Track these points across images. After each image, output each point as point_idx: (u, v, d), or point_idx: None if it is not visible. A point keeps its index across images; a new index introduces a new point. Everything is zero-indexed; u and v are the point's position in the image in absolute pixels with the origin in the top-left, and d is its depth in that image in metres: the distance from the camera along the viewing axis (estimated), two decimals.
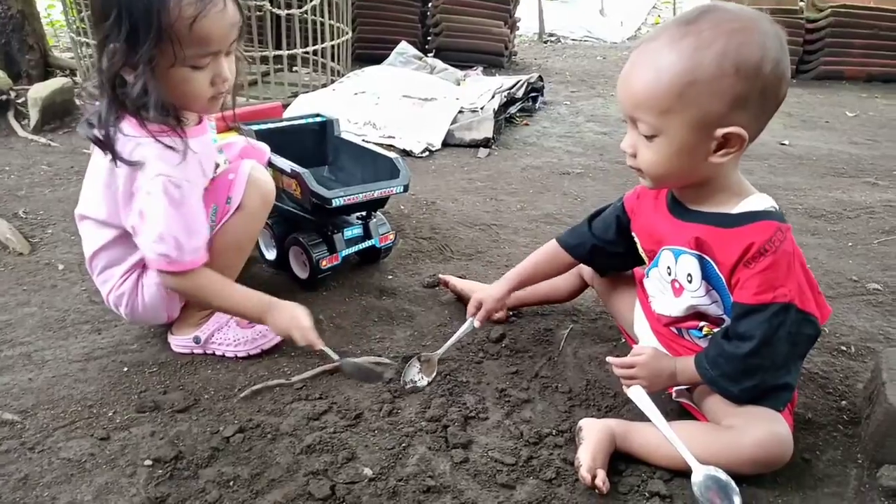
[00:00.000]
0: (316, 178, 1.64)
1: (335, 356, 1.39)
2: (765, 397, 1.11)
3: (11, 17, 3.45)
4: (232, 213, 1.42)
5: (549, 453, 1.20)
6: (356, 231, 1.78)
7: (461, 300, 1.69)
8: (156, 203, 1.26)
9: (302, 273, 1.75)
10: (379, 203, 1.78)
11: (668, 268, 1.22)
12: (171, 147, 1.27)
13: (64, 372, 1.40)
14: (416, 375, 1.39)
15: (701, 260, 1.15)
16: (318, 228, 1.74)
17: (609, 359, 1.24)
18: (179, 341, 1.47)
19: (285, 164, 1.68)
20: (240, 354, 1.45)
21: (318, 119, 2.02)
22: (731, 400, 1.12)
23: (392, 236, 1.85)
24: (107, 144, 1.26)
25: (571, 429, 1.25)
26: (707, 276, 1.15)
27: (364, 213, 1.81)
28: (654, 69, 1.04)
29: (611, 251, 1.40)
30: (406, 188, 1.75)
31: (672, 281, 1.22)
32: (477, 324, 1.47)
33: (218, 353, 1.46)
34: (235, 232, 1.43)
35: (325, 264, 1.69)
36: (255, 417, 1.27)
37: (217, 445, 1.20)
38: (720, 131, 1.03)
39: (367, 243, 1.81)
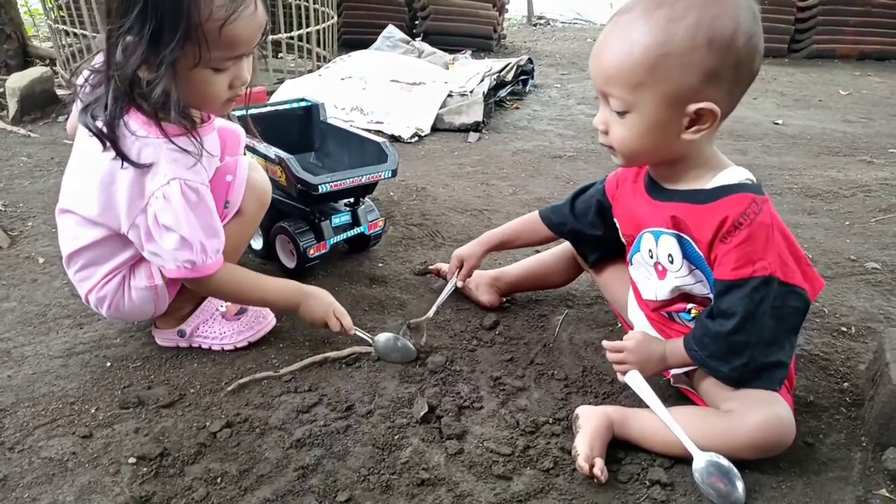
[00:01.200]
0: (302, 164, 1.59)
1: (368, 337, 1.39)
2: (758, 377, 1.08)
3: None
4: (230, 217, 1.37)
5: (546, 442, 1.16)
6: (344, 218, 1.74)
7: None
8: (174, 208, 1.18)
9: (289, 262, 1.71)
10: (367, 189, 1.73)
11: (650, 250, 1.19)
12: (185, 150, 1.20)
13: (45, 368, 1.36)
14: (408, 342, 1.39)
15: (679, 239, 1.12)
16: (304, 216, 1.69)
17: (604, 343, 1.22)
18: (164, 335, 1.43)
19: (269, 150, 1.63)
20: (226, 347, 1.41)
21: (304, 104, 1.97)
22: (722, 381, 1.10)
23: (381, 223, 1.81)
24: (112, 142, 1.17)
25: (568, 417, 1.21)
26: (687, 255, 1.13)
27: (352, 200, 1.77)
28: (626, 42, 1.01)
29: (589, 234, 1.39)
30: (394, 173, 1.71)
31: (655, 264, 1.19)
32: (460, 283, 1.50)
33: (204, 346, 1.42)
34: (231, 236, 1.34)
35: (312, 253, 1.65)
36: (242, 411, 1.23)
37: (204, 441, 1.16)
38: (692, 107, 1.01)
39: (356, 230, 1.76)
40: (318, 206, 1.72)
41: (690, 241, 1.11)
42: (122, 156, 1.17)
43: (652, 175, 1.19)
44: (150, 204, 1.19)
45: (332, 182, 1.58)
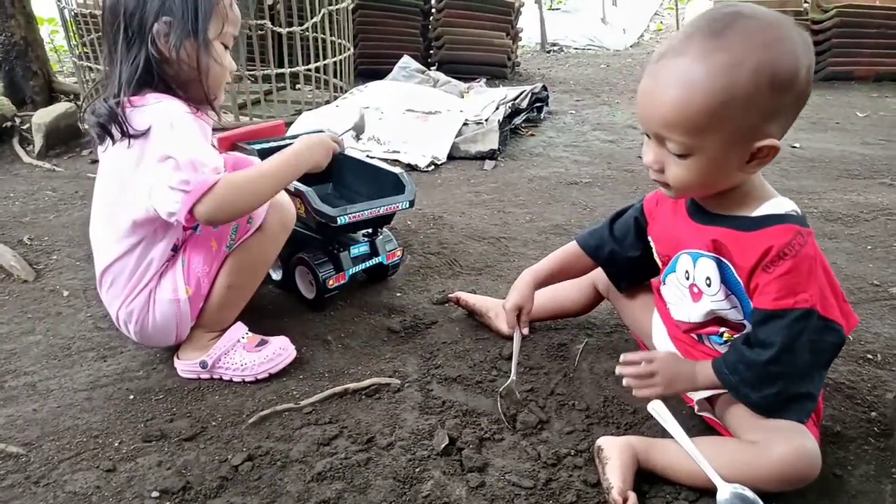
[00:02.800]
0: (320, 195, 1.61)
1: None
2: (786, 407, 1.07)
3: (15, 43, 3.46)
4: (251, 233, 1.40)
5: (569, 475, 1.15)
6: (362, 248, 1.76)
7: (473, 316, 1.65)
8: (160, 134, 1.26)
9: (308, 293, 1.72)
10: (385, 219, 1.75)
11: (687, 272, 1.18)
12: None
13: (69, 401, 1.37)
14: (507, 409, 1.31)
15: (719, 263, 1.11)
16: (323, 247, 1.71)
17: (625, 356, 1.17)
18: (186, 366, 1.44)
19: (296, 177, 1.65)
20: (247, 379, 1.42)
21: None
22: (751, 407, 1.08)
23: (399, 253, 1.82)
24: (117, 121, 1.27)
25: (590, 448, 1.20)
26: (725, 279, 1.12)
27: (370, 230, 1.78)
28: (685, 88, 0.99)
29: (628, 255, 1.36)
30: (412, 203, 1.73)
31: (691, 286, 1.18)
32: (525, 331, 1.41)
33: (225, 377, 1.43)
34: (252, 252, 1.42)
35: (331, 283, 1.66)
36: (263, 444, 1.24)
37: (226, 474, 1.16)
38: (756, 145, 1.01)
39: (374, 261, 1.77)
40: (337, 237, 1.74)
41: (730, 266, 1.10)
42: (125, 131, 1.27)
43: (698, 201, 1.18)
44: (147, 148, 1.27)
45: (351, 214, 1.60)
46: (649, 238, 1.30)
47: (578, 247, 1.43)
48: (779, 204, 1.09)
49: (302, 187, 1.61)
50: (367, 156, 2.20)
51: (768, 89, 0.97)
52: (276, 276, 1.80)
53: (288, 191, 1.63)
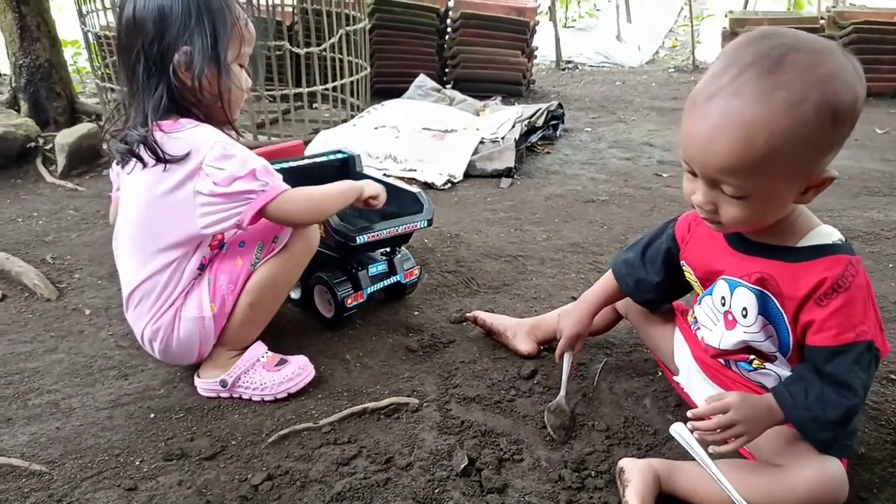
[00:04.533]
0: (339, 214, 1.62)
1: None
2: (842, 444, 1.06)
3: (40, 66, 3.53)
4: (275, 252, 1.42)
5: (589, 497, 1.14)
6: (380, 267, 1.76)
7: (490, 335, 1.65)
8: (227, 158, 1.30)
9: (327, 312, 1.73)
10: (403, 238, 1.76)
11: (723, 298, 1.15)
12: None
13: (91, 420, 1.38)
14: (554, 422, 1.33)
15: (761, 296, 1.08)
16: (341, 266, 1.72)
17: (695, 411, 1.10)
18: (206, 384, 1.45)
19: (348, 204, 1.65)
20: (266, 398, 1.43)
21: (340, 155, 2.01)
22: (815, 444, 1.05)
23: (417, 271, 1.83)
24: (151, 147, 1.30)
25: (611, 469, 1.19)
26: (766, 311, 1.09)
27: (388, 249, 1.79)
28: (745, 132, 0.93)
29: (652, 280, 1.33)
30: (430, 222, 1.74)
31: (725, 312, 1.16)
32: (577, 354, 1.45)
33: (245, 396, 1.44)
34: (275, 271, 1.44)
35: (350, 302, 1.67)
36: (283, 464, 1.24)
37: (245, 494, 1.17)
38: (814, 178, 0.98)
39: (393, 279, 1.78)
40: (355, 256, 1.75)
41: (773, 299, 1.07)
42: (160, 156, 1.30)
43: None
44: (204, 177, 1.30)
45: (370, 234, 1.61)
46: (682, 262, 1.27)
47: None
48: (826, 233, 1.06)
49: None
50: (384, 174, 2.21)
51: (830, 125, 0.93)
52: (295, 294, 1.81)
53: None
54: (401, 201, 1.81)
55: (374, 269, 1.75)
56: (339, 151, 2.02)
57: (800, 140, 0.93)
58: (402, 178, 2.43)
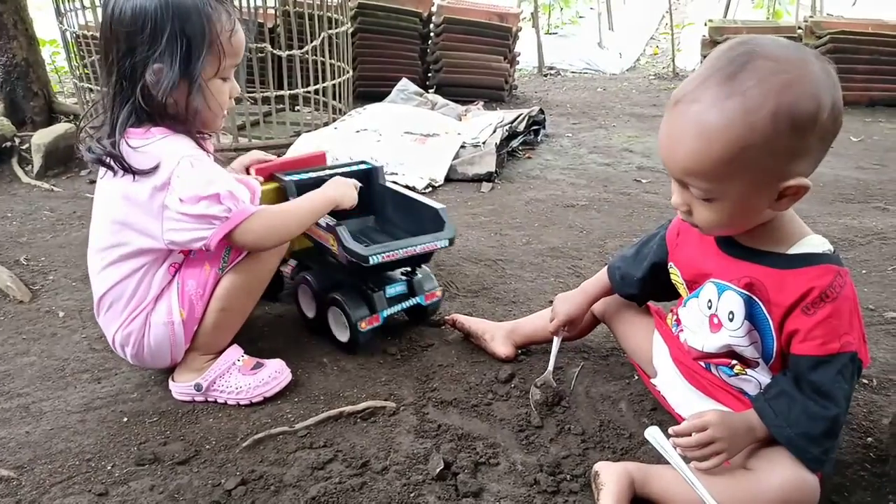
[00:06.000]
0: (361, 228, 1.57)
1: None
2: (830, 459, 1.06)
3: (17, 65, 3.48)
4: (245, 255, 1.41)
5: (565, 500, 1.15)
6: (399, 288, 1.64)
7: (469, 338, 1.65)
8: (191, 179, 1.27)
9: (342, 335, 1.61)
10: (423, 258, 1.63)
11: (710, 301, 1.15)
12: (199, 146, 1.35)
13: (62, 424, 1.36)
14: (541, 397, 1.40)
15: (749, 301, 1.09)
16: (358, 286, 1.62)
17: (675, 428, 1.09)
18: (181, 388, 1.44)
19: (321, 219, 1.56)
20: (242, 402, 1.41)
21: (363, 167, 1.88)
22: (807, 463, 1.03)
23: (439, 293, 1.70)
24: (117, 158, 1.28)
25: (586, 473, 1.20)
26: (752, 316, 1.09)
27: (408, 268, 1.68)
28: (701, 137, 0.95)
29: (635, 275, 1.36)
30: (451, 242, 1.60)
31: (711, 315, 1.16)
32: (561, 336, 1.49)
33: (220, 400, 1.43)
34: (245, 275, 1.42)
35: (364, 326, 1.55)
36: (257, 468, 1.23)
37: (219, 499, 1.15)
38: (782, 185, 0.98)
39: (412, 301, 1.66)
40: (371, 277, 1.63)
41: (761, 304, 1.08)
42: (127, 168, 1.28)
43: None
44: (172, 191, 1.27)
45: (384, 254, 1.49)
46: (670, 263, 1.28)
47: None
48: (814, 242, 1.07)
49: (334, 223, 1.53)
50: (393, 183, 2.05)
51: (789, 132, 0.92)
52: (310, 314, 1.72)
53: (320, 226, 1.58)
54: (420, 218, 1.70)
55: (391, 291, 1.63)
56: (363, 162, 1.91)
57: (758, 147, 0.93)
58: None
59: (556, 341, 1.49)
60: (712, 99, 0.95)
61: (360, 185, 1.61)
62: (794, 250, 1.07)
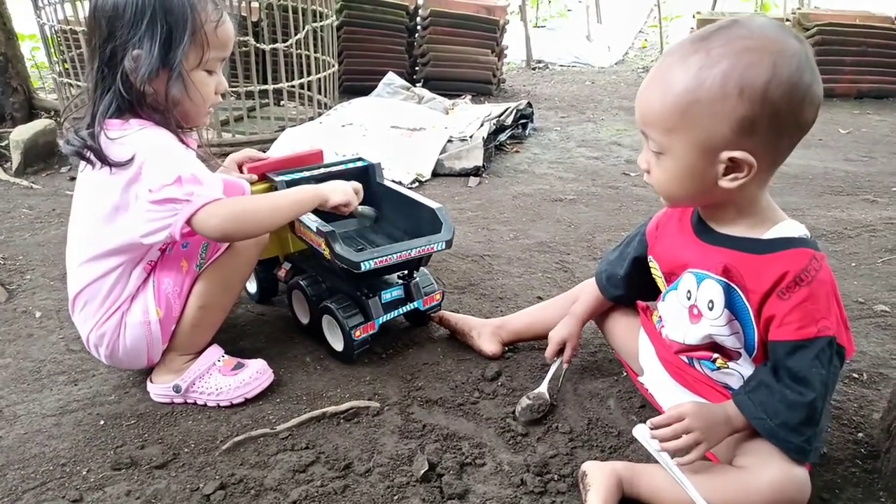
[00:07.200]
0: (358, 229, 1.52)
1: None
2: (815, 449, 1.04)
3: None
4: (223, 251, 1.37)
5: (552, 501, 1.12)
6: (395, 293, 1.56)
7: (455, 335, 1.62)
8: (159, 166, 1.22)
9: (337, 344, 1.54)
10: (420, 261, 1.56)
11: (689, 292, 1.14)
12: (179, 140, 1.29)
13: (37, 428, 1.32)
14: (531, 405, 1.34)
15: (728, 289, 1.07)
16: (352, 291, 1.54)
17: (652, 420, 1.08)
18: (159, 390, 1.40)
19: (311, 221, 1.48)
20: (222, 403, 1.38)
21: (360, 164, 1.81)
22: (790, 454, 1.02)
23: (439, 296, 1.61)
24: (95, 150, 1.24)
25: (574, 473, 1.17)
26: (732, 305, 1.08)
27: (406, 272, 1.59)
28: (662, 86, 1.00)
29: (618, 273, 1.35)
30: (449, 244, 1.52)
31: (691, 306, 1.14)
32: (565, 365, 1.44)
33: (200, 402, 1.39)
34: (223, 272, 1.39)
35: (358, 334, 1.48)
36: (237, 472, 1.20)
37: None
38: (725, 154, 0.98)
39: (410, 307, 1.58)
40: (366, 281, 1.54)
41: (740, 291, 1.06)
42: (104, 160, 1.24)
43: (702, 216, 1.15)
44: (142, 181, 1.22)
45: (377, 259, 1.41)
46: (650, 257, 1.26)
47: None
48: (790, 227, 1.06)
49: (325, 227, 1.45)
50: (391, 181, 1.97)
51: (736, 97, 0.94)
52: (304, 320, 1.66)
53: (311, 229, 1.50)
54: (417, 218, 1.63)
55: (387, 296, 1.54)
56: (360, 159, 1.84)
57: (702, 104, 0.96)
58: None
59: (554, 366, 1.44)
60: (680, 54, 1.00)
61: (360, 187, 1.51)
62: (769, 235, 1.05)
